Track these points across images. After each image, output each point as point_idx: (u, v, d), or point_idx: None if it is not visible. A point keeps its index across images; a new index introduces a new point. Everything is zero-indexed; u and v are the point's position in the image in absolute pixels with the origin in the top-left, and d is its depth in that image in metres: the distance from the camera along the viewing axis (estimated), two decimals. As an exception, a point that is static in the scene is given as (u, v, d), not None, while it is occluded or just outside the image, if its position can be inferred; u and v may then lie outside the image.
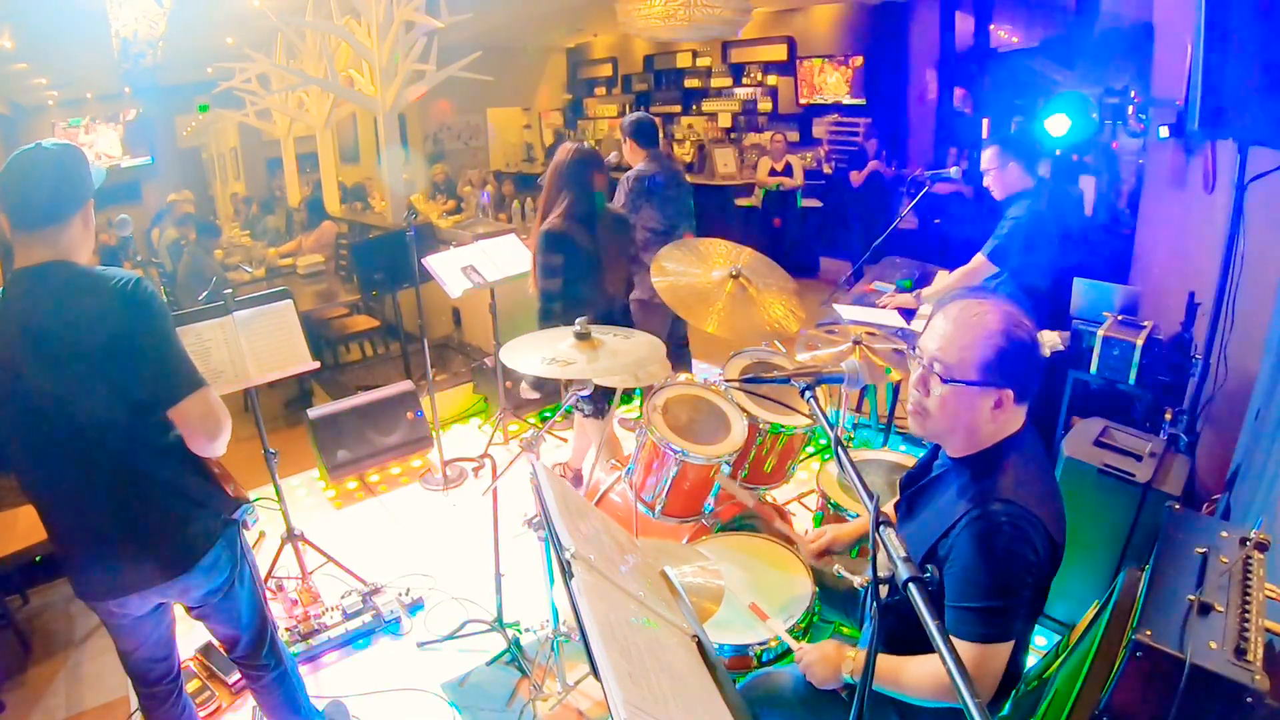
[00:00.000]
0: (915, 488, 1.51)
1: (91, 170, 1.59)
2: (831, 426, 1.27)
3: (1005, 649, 1.28)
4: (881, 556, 1.00)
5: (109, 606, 1.67)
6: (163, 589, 1.66)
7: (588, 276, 2.72)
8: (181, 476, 1.65)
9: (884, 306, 3.41)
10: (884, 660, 1.39)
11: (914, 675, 1.36)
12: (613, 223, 2.83)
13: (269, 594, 2.76)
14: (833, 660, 1.49)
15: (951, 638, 1.26)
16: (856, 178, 7.29)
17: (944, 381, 1.32)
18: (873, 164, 7.21)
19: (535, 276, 2.76)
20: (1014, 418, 1.36)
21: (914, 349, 1.41)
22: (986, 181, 3.17)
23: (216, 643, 1.95)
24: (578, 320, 2.14)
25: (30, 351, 1.46)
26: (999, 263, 3.02)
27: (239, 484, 1.81)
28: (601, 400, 2.88)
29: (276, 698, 1.97)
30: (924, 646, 1.27)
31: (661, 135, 9.68)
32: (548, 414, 4.17)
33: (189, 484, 1.67)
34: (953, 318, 1.34)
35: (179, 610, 1.83)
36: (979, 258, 3.08)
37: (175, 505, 1.65)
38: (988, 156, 3.14)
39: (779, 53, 8.79)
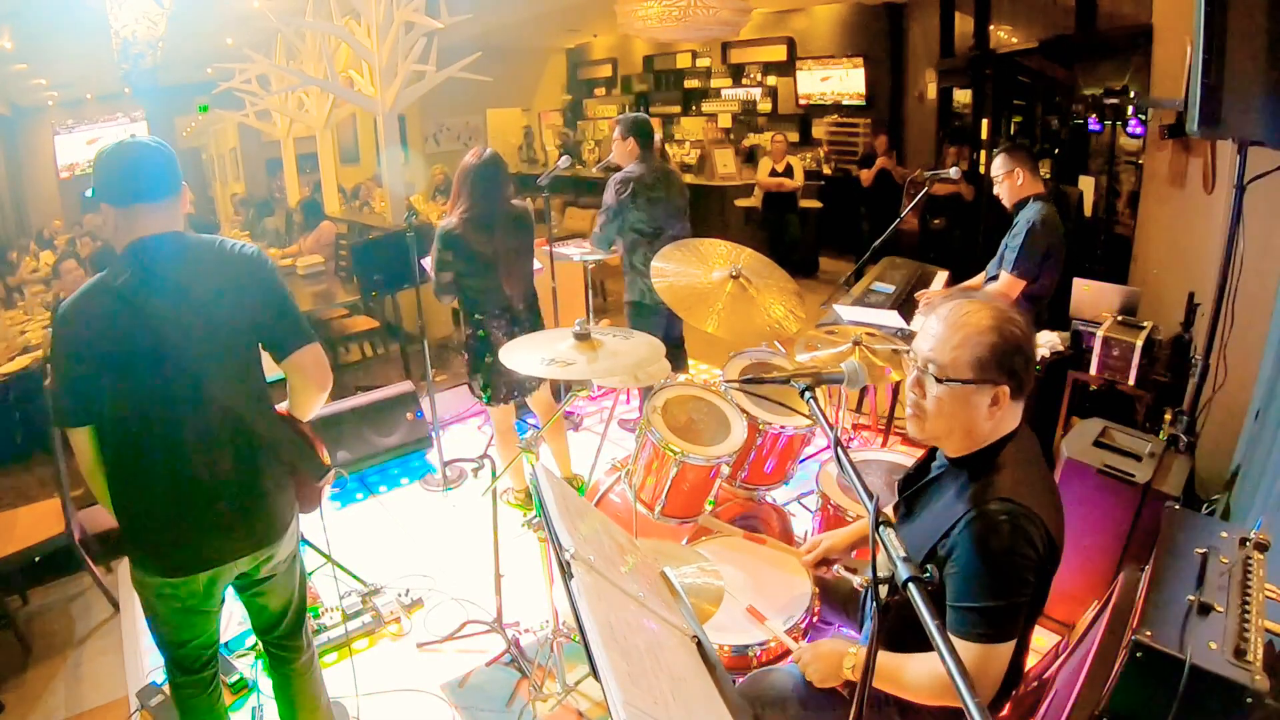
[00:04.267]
0: (914, 489, 1.52)
1: None
2: (831, 427, 1.27)
3: (1007, 649, 1.28)
4: (881, 556, 1.00)
5: (179, 592, 1.64)
6: (252, 557, 1.69)
7: (483, 275, 2.86)
8: (284, 438, 1.71)
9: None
10: (884, 658, 1.39)
11: (914, 674, 1.36)
12: (513, 226, 2.89)
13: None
14: (833, 658, 1.49)
15: (953, 638, 1.26)
16: (866, 177, 7.27)
17: (939, 382, 1.33)
18: (881, 161, 7.19)
19: (432, 266, 2.93)
20: (1011, 415, 1.36)
21: (908, 354, 1.41)
22: (996, 189, 3.12)
23: (256, 626, 1.93)
24: (577, 321, 2.14)
25: (160, 314, 1.50)
26: (1027, 275, 2.97)
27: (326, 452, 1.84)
28: (500, 389, 3.01)
29: (310, 680, 1.97)
30: (924, 646, 1.27)
31: (660, 135, 9.66)
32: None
33: (290, 447, 1.72)
34: (944, 319, 1.35)
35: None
36: (1006, 277, 3.00)
37: (276, 469, 1.70)
38: (996, 163, 3.08)
39: (778, 53, 8.79)
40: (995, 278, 3.14)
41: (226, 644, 2.57)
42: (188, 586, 1.65)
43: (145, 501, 1.61)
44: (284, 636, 1.91)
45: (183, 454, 1.58)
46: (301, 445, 1.75)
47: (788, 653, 1.84)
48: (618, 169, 3.57)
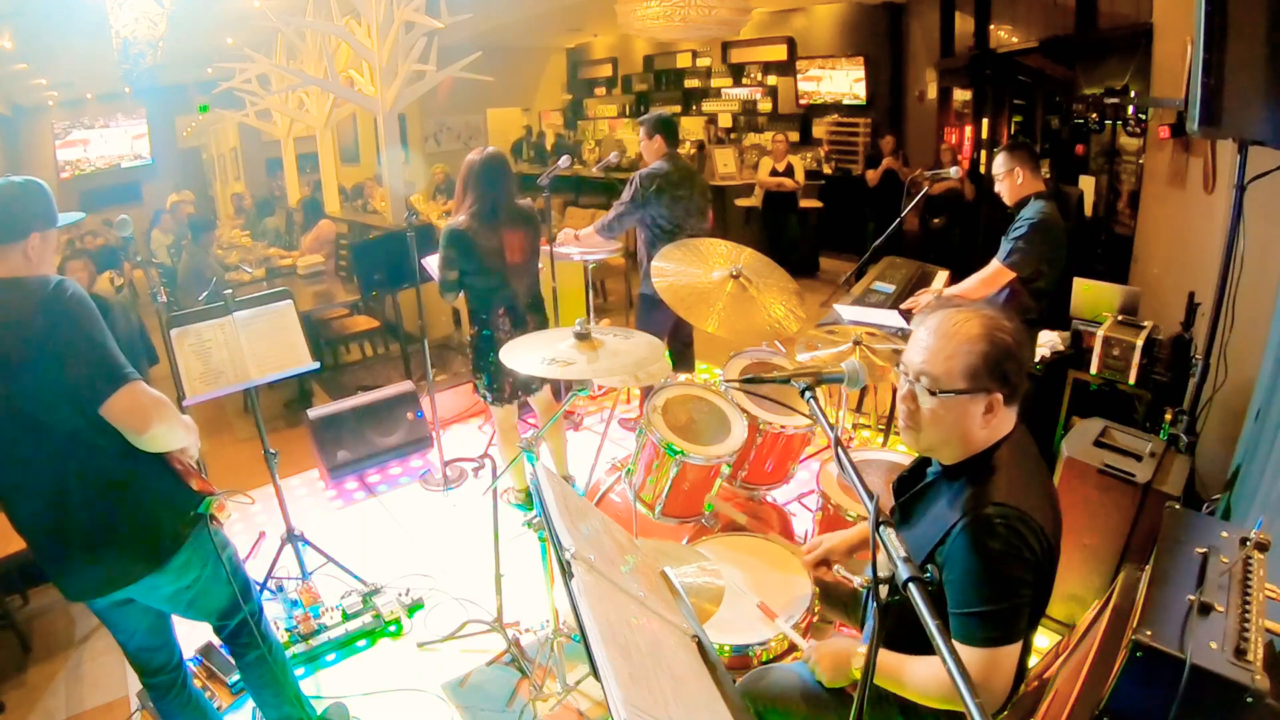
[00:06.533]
0: (909, 494, 1.51)
1: (52, 209, 1.65)
2: (831, 427, 1.27)
3: (1014, 651, 1.27)
4: (881, 557, 1.00)
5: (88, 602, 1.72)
6: (130, 589, 1.69)
7: (489, 273, 2.87)
8: (148, 474, 1.68)
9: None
10: (888, 657, 1.39)
11: (916, 675, 1.36)
12: (520, 219, 2.92)
13: (268, 594, 2.77)
14: (842, 657, 1.49)
15: (958, 644, 1.25)
16: (873, 177, 7.27)
17: (932, 394, 1.31)
18: (888, 162, 7.19)
19: (438, 265, 2.93)
20: (1005, 420, 1.35)
21: (899, 366, 1.40)
22: (997, 188, 3.14)
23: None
24: (577, 320, 2.14)
25: None
26: (1017, 269, 2.98)
27: (205, 480, 1.83)
28: (505, 389, 3.02)
29: (259, 677, 2.00)
30: (925, 646, 1.27)
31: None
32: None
33: (156, 482, 1.69)
34: (933, 329, 1.33)
35: None
36: (996, 265, 3.02)
37: (143, 503, 1.67)
38: (997, 162, 3.08)
39: (779, 53, 8.80)
40: None
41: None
42: (79, 602, 1.71)
43: (23, 535, 1.66)
44: (229, 638, 1.95)
45: (33, 494, 1.60)
46: (166, 476, 1.72)
47: (789, 652, 1.84)
48: (618, 168, 3.59)
